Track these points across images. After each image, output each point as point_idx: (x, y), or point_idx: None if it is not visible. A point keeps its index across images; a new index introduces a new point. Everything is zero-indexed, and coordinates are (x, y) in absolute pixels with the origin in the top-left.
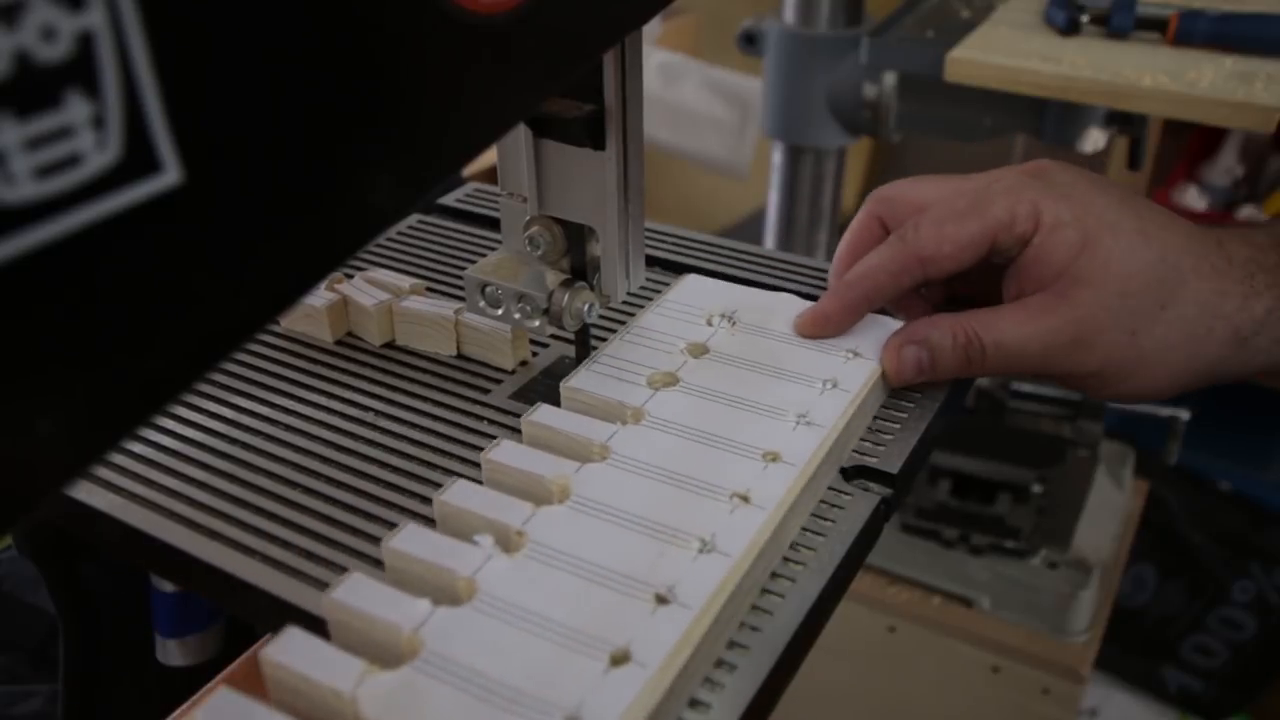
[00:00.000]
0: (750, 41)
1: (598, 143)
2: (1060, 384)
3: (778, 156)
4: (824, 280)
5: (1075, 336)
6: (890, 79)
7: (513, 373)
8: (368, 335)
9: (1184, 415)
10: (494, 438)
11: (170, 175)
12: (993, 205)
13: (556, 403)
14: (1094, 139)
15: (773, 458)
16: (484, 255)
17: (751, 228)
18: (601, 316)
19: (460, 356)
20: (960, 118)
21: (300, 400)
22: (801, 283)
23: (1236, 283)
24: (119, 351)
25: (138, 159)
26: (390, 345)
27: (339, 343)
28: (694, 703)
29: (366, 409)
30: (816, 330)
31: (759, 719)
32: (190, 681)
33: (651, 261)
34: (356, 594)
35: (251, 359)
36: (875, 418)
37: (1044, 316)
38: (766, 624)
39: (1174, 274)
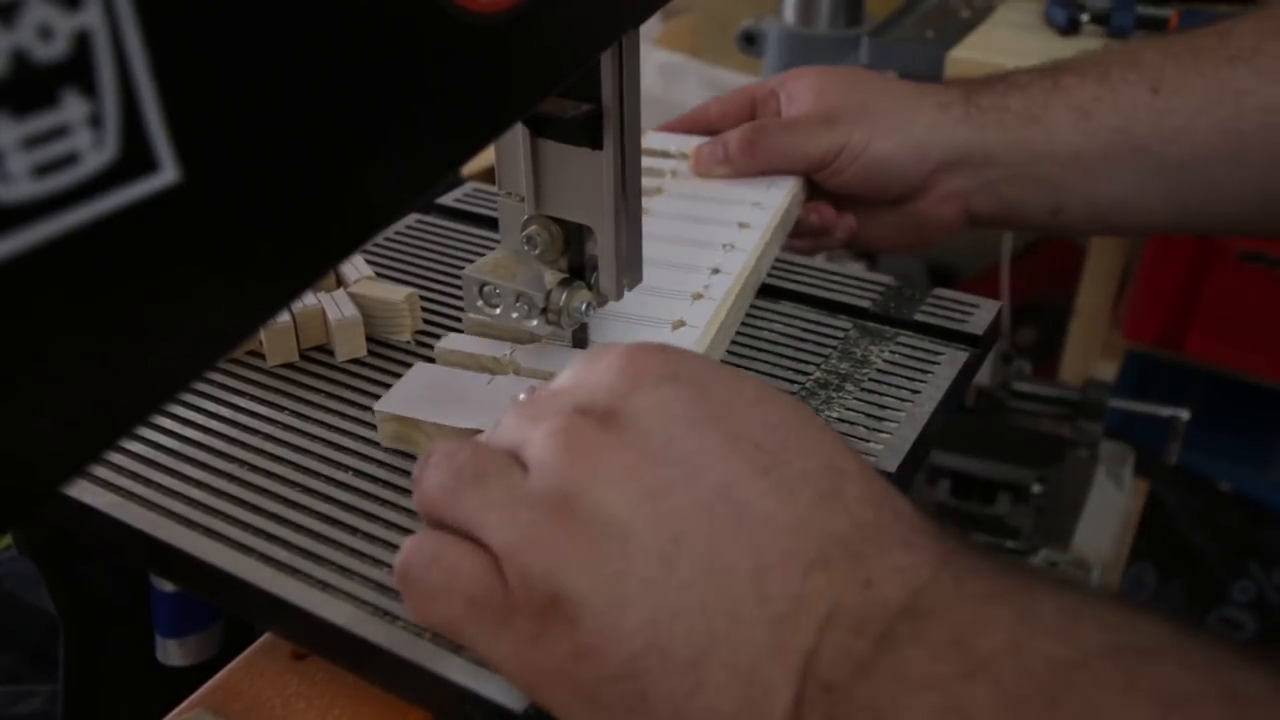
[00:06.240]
0: (750, 41)
1: (595, 142)
2: (822, 173)
3: None
4: (822, 280)
5: (824, 113)
6: None
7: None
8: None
9: (1184, 415)
10: None
11: (167, 174)
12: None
13: None
14: None
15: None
16: (482, 255)
17: None
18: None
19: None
20: None
21: (299, 400)
22: (800, 282)
23: (936, 89)
24: (117, 350)
25: (135, 158)
26: (387, 344)
27: None
28: None
29: (365, 408)
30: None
31: None
32: (190, 681)
33: None
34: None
35: (249, 358)
36: (873, 416)
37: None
38: None
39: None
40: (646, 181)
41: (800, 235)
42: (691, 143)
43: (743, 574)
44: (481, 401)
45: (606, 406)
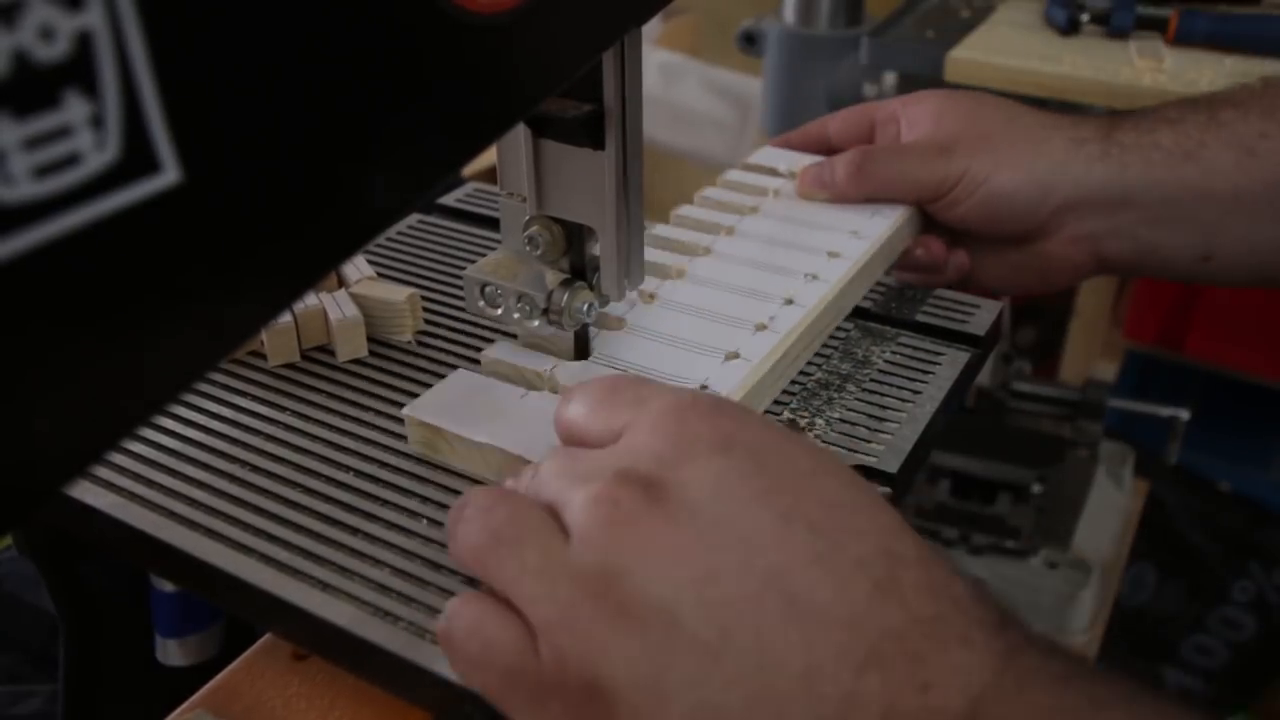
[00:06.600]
0: (750, 41)
1: (597, 142)
2: (936, 204)
3: None
4: None
5: (941, 141)
6: (890, 79)
7: None
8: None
9: (1184, 415)
10: None
11: (169, 175)
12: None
13: None
14: None
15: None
16: (484, 255)
17: None
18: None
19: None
20: None
21: (300, 400)
22: None
23: (1072, 121)
24: (118, 351)
25: (137, 158)
26: (388, 345)
27: None
28: None
29: (366, 408)
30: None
31: None
32: (190, 681)
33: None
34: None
35: (251, 358)
36: (874, 417)
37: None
38: None
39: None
40: (744, 199)
41: (906, 269)
42: (802, 161)
43: (793, 671)
44: (509, 418)
45: (653, 475)
